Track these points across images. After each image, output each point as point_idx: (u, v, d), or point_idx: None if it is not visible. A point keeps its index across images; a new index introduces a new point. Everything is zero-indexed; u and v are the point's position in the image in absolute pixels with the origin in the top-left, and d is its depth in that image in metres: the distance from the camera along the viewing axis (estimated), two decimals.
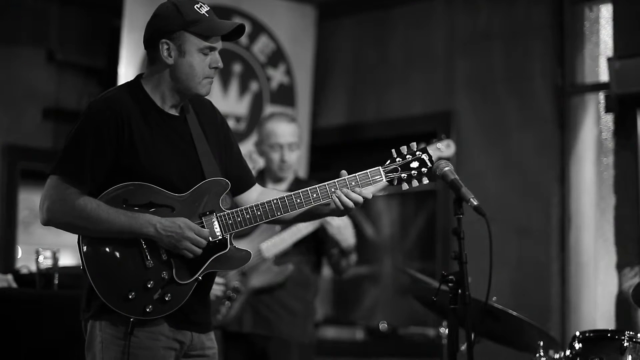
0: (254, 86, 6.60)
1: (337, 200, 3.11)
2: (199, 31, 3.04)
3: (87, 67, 6.91)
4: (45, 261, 4.08)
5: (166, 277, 3.01)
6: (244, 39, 6.52)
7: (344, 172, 3.16)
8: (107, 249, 3.01)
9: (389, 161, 3.16)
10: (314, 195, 3.11)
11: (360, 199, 3.11)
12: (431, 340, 6.34)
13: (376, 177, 3.14)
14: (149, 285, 2.99)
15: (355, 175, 3.13)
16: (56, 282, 4.08)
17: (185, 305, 3.06)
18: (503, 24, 6.16)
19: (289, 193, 3.12)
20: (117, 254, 3.01)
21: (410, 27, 6.65)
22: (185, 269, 3.04)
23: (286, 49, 6.68)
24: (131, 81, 3.18)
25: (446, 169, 3.10)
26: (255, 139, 5.04)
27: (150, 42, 3.12)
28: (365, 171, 3.15)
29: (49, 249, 4.11)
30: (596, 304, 5.70)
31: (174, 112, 3.14)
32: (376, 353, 6.77)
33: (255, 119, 6.32)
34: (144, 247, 3.01)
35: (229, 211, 3.09)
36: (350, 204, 3.11)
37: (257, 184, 3.35)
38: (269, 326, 4.71)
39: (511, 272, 5.81)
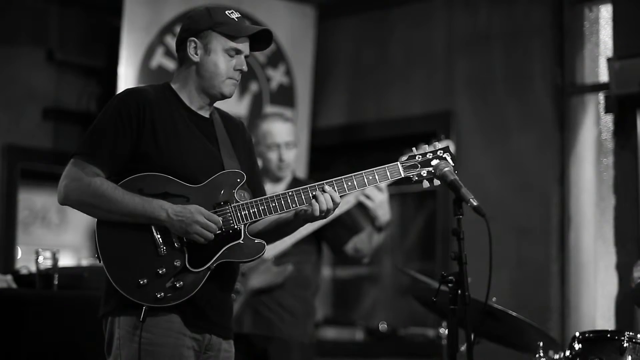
0: (253, 87, 6.60)
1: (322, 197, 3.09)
2: (226, 31, 3.14)
3: (86, 67, 6.91)
4: (45, 262, 4.08)
5: (179, 264, 3.04)
6: None
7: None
8: (121, 236, 3.04)
9: (407, 157, 3.18)
10: (328, 188, 3.12)
11: (339, 200, 3.10)
12: (431, 340, 6.34)
13: (394, 172, 3.15)
14: (161, 272, 3.02)
15: (373, 170, 3.14)
16: (56, 282, 4.08)
17: (205, 305, 3.09)
18: (503, 24, 6.16)
19: (304, 187, 3.14)
20: (130, 242, 3.04)
21: (409, 27, 6.65)
22: (199, 257, 3.06)
23: (286, 49, 6.68)
24: (159, 83, 3.27)
25: (446, 169, 3.11)
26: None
27: (180, 42, 3.20)
28: (382, 166, 3.15)
29: (49, 249, 4.11)
30: (596, 304, 5.70)
31: (202, 113, 3.22)
32: (376, 353, 6.77)
33: (254, 120, 6.32)
34: (157, 235, 3.04)
35: (244, 202, 3.12)
36: (330, 201, 3.09)
37: None
38: (269, 326, 4.71)
39: (511, 273, 5.81)
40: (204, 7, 3.22)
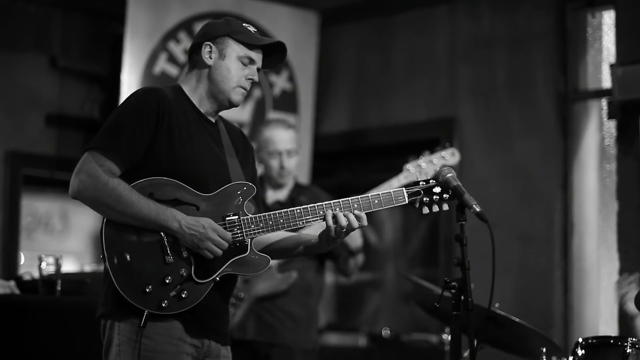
0: (256, 93, 6.61)
1: (341, 217, 3.10)
2: (242, 39, 3.19)
3: (89, 74, 6.92)
4: (48, 267, 4.08)
5: (185, 274, 3.03)
6: None
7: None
8: (129, 241, 3.03)
9: (412, 183, 3.18)
10: (337, 209, 3.12)
11: (356, 224, 3.11)
12: (434, 346, 6.33)
13: (399, 198, 3.15)
14: (167, 281, 3.01)
15: (379, 194, 3.15)
16: (59, 288, 4.09)
17: (205, 312, 3.09)
18: (506, 31, 6.17)
19: (312, 205, 3.13)
20: (138, 247, 3.03)
21: (412, 33, 6.65)
22: (204, 269, 3.06)
23: (289, 56, 6.64)
24: (170, 85, 3.27)
25: (449, 175, 3.11)
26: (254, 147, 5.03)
27: (195, 47, 3.22)
28: (388, 190, 3.17)
29: (52, 255, 4.11)
30: (599, 310, 5.69)
31: (210, 118, 3.24)
32: (379, 359, 6.76)
33: (257, 126, 6.32)
34: (165, 242, 3.03)
35: (253, 216, 3.11)
36: (345, 222, 3.09)
37: None
38: (273, 333, 4.71)
39: (514, 279, 5.81)
40: (223, 18, 3.26)
